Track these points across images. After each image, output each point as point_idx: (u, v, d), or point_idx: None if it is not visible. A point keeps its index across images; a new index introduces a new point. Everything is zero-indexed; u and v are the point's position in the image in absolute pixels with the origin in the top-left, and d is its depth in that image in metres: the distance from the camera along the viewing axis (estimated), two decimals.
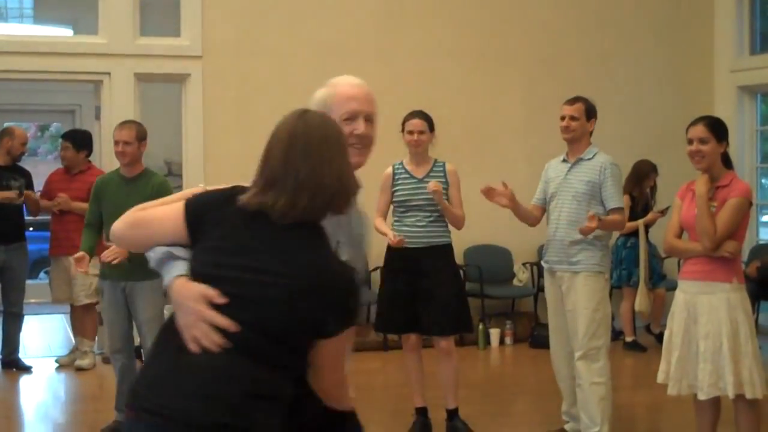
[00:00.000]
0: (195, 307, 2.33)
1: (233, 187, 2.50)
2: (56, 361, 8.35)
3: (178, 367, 2.34)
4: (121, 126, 6.19)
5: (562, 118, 5.73)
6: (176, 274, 2.42)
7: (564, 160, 5.80)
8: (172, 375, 2.34)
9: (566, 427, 5.91)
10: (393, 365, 8.01)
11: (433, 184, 5.86)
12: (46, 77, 9.29)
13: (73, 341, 8.51)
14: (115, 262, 5.81)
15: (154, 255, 2.50)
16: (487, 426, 6.17)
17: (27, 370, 8.17)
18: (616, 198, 5.66)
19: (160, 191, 6.06)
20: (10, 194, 7.92)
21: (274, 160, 2.42)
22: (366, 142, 2.74)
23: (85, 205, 7.68)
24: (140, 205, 2.54)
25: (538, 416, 6.52)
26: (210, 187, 2.55)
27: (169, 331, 2.40)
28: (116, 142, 6.09)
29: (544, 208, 5.91)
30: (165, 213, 2.49)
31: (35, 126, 17.37)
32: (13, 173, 8.12)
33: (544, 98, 9.32)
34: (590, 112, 5.77)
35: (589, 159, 5.70)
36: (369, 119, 2.77)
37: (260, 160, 2.46)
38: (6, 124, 9.74)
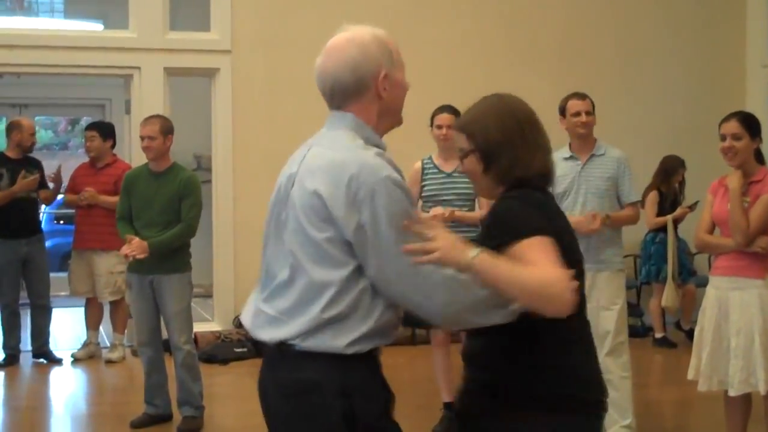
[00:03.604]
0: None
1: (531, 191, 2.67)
2: (72, 356, 8.37)
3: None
4: (145, 121, 6.20)
5: (578, 114, 5.63)
6: None
7: (571, 157, 5.69)
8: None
9: None
10: (421, 360, 8.00)
11: (437, 213, 5.75)
12: (77, 71, 9.37)
13: (86, 335, 8.54)
14: (138, 257, 5.85)
15: None
16: None
17: (58, 362, 8.24)
18: (634, 192, 5.74)
19: (188, 186, 6.09)
20: (30, 180, 7.98)
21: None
22: None
23: (111, 199, 7.77)
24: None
25: None
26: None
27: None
28: (141, 137, 6.11)
29: None
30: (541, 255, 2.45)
31: (66, 120, 17.47)
32: (27, 165, 8.17)
33: (571, 90, 9.25)
34: (593, 107, 5.75)
35: (601, 155, 5.66)
36: None
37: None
38: (37, 118, 9.82)
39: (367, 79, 2.57)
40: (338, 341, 2.44)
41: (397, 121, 2.70)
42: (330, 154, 2.51)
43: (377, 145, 2.57)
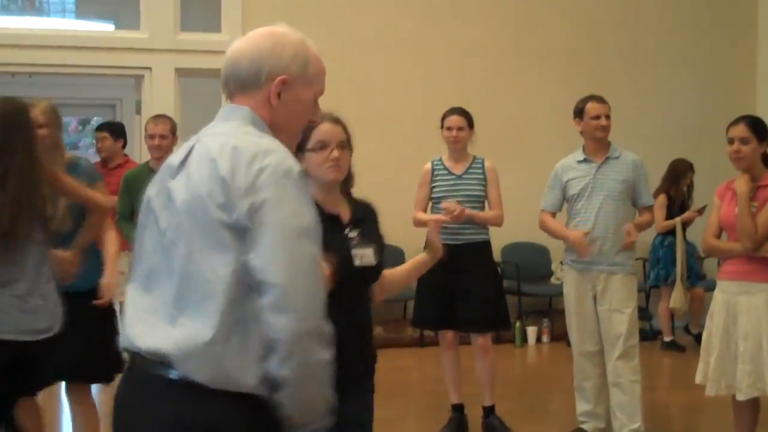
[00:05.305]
0: None
1: None
2: None
3: None
4: (156, 120, 6.22)
5: (597, 117, 5.65)
6: None
7: (585, 160, 5.72)
8: None
9: (585, 426, 5.86)
10: (429, 361, 8.02)
11: (450, 206, 5.69)
12: (88, 72, 9.39)
13: None
14: None
15: None
16: (523, 423, 6.16)
17: None
18: (650, 195, 5.86)
19: None
20: None
21: None
22: None
23: None
24: None
25: (575, 414, 6.50)
26: None
27: None
28: (152, 136, 6.11)
29: (554, 213, 5.88)
30: None
31: (76, 120, 17.52)
32: None
33: (581, 94, 9.20)
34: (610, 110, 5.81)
35: (617, 157, 5.68)
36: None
37: None
38: None
39: (262, 76, 2.28)
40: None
41: (290, 145, 2.29)
42: (224, 139, 2.17)
43: None
